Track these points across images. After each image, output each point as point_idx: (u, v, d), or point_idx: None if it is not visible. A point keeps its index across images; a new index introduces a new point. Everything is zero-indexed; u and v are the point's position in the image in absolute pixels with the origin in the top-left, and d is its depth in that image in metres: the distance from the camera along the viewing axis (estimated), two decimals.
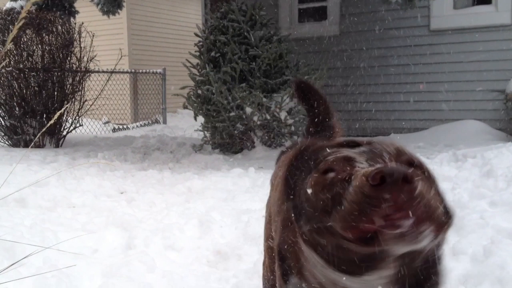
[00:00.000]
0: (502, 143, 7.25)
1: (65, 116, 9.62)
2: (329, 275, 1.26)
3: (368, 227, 1.08)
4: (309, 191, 1.23)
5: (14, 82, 9.31)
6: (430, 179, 1.22)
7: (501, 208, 4.03)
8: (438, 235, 1.13)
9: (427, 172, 1.23)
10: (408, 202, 1.07)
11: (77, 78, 9.81)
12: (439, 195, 1.20)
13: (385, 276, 1.21)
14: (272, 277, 2.20)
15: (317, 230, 1.19)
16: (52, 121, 2.81)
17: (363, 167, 1.16)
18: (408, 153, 1.25)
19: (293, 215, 1.32)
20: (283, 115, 7.92)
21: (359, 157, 1.21)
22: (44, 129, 2.93)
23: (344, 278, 1.23)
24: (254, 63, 8.02)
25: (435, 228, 1.11)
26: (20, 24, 1.97)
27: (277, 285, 1.53)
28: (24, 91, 9.33)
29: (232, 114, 7.86)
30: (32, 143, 4.17)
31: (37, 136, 3.35)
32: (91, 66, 10.09)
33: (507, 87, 8.67)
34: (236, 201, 5.10)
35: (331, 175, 1.19)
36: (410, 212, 1.07)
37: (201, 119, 8.66)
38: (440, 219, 1.12)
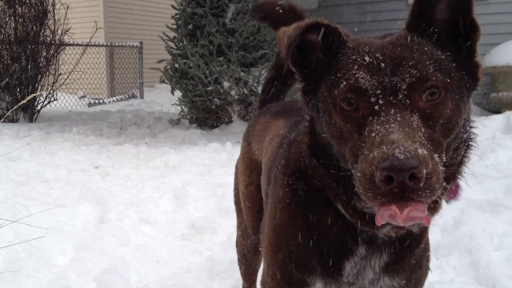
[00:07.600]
0: (476, 117, 7.32)
1: (39, 90, 9.45)
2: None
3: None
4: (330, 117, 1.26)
5: None
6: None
7: (472, 181, 4.07)
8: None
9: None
10: (410, 195, 1.07)
11: (51, 51, 9.62)
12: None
13: None
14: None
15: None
16: (25, 101, 2.75)
17: (376, 108, 1.19)
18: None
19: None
20: (260, 89, 7.85)
21: (375, 85, 1.20)
22: (16, 107, 2.87)
23: None
24: (231, 37, 7.92)
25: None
26: None
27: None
28: None
29: (210, 88, 7.79)
30: (3, 118, 4.05)
31: (10, 111, 3.27)
32: (66, 39, 9.90)
33: (483, 62, 8.73)
34: (212, 175, 5.10)
35: (349, 109, 1.22)
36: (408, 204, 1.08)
37: (178, 93, 8.57)
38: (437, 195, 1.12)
